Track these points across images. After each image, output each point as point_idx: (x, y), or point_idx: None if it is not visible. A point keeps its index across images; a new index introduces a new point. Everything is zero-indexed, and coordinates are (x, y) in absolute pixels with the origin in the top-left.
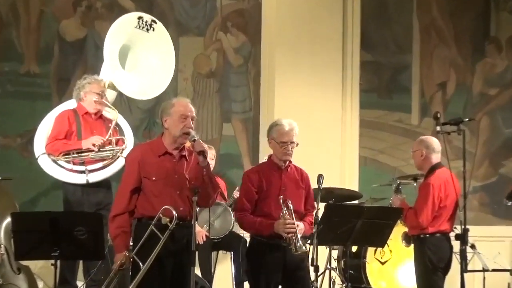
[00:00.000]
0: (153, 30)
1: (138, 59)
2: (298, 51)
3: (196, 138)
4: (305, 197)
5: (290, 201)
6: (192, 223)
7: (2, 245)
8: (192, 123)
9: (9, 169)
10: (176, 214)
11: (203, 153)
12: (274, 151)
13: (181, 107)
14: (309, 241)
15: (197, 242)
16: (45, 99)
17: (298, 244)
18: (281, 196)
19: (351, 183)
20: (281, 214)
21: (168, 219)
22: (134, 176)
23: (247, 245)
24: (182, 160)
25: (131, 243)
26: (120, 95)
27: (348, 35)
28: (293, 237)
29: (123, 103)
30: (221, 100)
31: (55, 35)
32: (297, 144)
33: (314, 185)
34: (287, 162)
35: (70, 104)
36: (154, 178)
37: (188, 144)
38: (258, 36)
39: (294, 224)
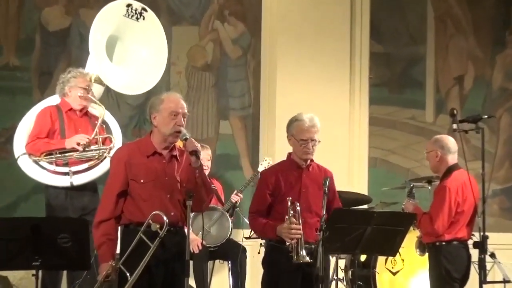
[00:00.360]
0: (143, 19)
1: (127, 50)
2: (302, 41)
3: (188, 137)
4: (329, 200)
5: (298, 204)
6: (186, 229)
7: None
8: (184, 121)
9: None
10: (167, 220)
11: (195, 153)
12: (293, 149)
13: (171, 103)
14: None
15: (191, 251)
16: (25, 94)
17: (301, 252)
18: (290, 198)
19: (360, 186)
20: (286, 217)
21: (158, 226)
22: (120, 179)
23: (264, 251)
24: (172, 161)
25: (117, 252)
26: (107, 90)
27: (356, 24)
28: (296, 244)
29: (111, 98)
30: (217, 95)
31: (36, 25)
32: (319, 142)
33: None
34: (308, 160)
35: (53, 100)
36: (142, 181)
37: (179, 143)
38: (258, 26)
39: (299, 229)
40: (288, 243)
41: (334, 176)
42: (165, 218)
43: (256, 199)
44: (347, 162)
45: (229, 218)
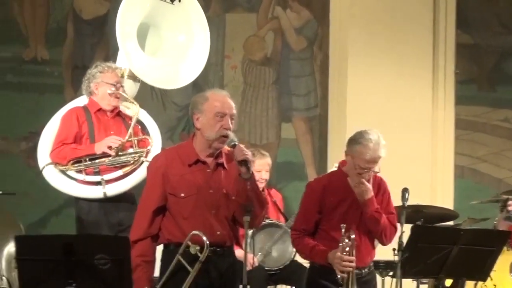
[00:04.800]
0: (179, 1)
1: (161, 39)
2: (377, 31)
3: (236, 143)
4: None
5: (353, 232)
6: (237, 250)
7: (3, 277)
8: (232, 123)
9: (11, 181)
10: (207, 242)
11: (245, 163)
12: (348, 167)
13: (216, 102)
14: (391, 273)
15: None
16: (56, 92)
17: None
18: (344, 225)
19: (445, 200)
20: (340, 244)
21: (198, 248)
22: (157, 192)
23: (307, 275)
24: (218, 170)
25: (155, 275)
26: (151, 88)
27: (440, 11)
28: (348, 277)
29: (155, 97)
30: (279, 93)
31: (68, 12)
32: (379, 172)
33: (397, 201)
34: None
35: (81, 101)
36: (182, 195)
37: (226, 147)
38: (326, 13)
39: (352, 262)
40: (338, 276)
41: (415, 188)
42: (204, 239)
43: (301, 216)
44: (429, 171)
45: None
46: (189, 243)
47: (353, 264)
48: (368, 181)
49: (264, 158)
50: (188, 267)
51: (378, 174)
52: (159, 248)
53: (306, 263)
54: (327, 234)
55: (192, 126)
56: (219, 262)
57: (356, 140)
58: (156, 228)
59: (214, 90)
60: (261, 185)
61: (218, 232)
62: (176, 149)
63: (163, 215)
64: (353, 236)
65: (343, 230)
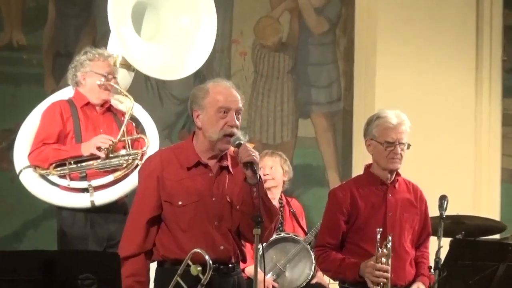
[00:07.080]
0: None
1: (160, 21)
2: (410, 13)
3: (241, 142)
4: (421, 226)
5: (390, 237)
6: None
7: None
8: (238, 119)
9: None
10: (210, 262)
11: (251, 165)
12: (375, 157)
13: (219, 95)
14: None
15: None
16: (35, 83)
17: None
18: (380, 229)
19: (490, 209)
20: (376, 252)
21: (200, 268)
22: (151, 200)
23: None
24: (222, 175)
25: None
26: (146, 78)
27: None
28: None
29: (150, 89)
30: (296, 84)
31: None
32: (409, 147)
33: (433, 211)
34: (395, 173)
35: (65, 93)
36: (180, 203)
37: (232, 148)
38: None
39: (387, 272)
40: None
41: (455, 195)
42: (207, 257)
43: (326, 228)
44: (472, 176)
45: (311, 253)
46: (190, 262)
47: (387, 275)
48: (401, 160)
49: (275, 156)
50: None
51: (416, 183)
52: (152, 266)
53: (328, 283)
54: (357, 247)
55: (193, 123)
56: (224, 282)
57: (373, 120)
58: (151, 242)
59: (216, 81)
60: (278, 189)
61: (222, 247)
62: (173, 149)
63: (158, 227)
64: (390, 245)
65: (378, 236)
